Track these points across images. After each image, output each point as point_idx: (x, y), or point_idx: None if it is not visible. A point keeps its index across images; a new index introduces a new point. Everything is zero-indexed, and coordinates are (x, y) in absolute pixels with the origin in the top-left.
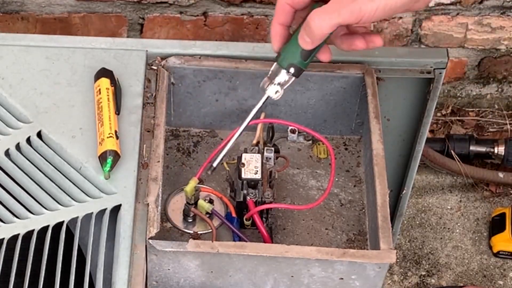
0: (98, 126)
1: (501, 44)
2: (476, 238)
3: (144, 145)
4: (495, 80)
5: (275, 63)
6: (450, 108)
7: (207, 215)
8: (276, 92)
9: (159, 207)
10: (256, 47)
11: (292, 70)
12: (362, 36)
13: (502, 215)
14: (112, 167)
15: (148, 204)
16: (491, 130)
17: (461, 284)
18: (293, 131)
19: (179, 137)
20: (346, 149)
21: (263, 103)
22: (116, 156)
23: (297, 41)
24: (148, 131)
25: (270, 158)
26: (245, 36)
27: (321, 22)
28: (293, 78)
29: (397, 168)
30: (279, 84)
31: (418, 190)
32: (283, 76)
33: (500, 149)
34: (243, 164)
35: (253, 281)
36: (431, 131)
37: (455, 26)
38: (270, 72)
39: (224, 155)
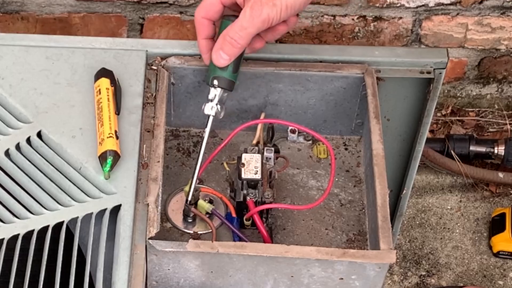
0: (98, 126)
1: (501, 44)
2: (476, 238)
3: (144, 145)
4: (495, 80)
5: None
6: (450, 108)
7: (207, 215)
8: (211, 108)
9: (159, 207)
10: None
11: (215, 82)
12: (262, 35)
13: (502, 215)
14: (112, 167)
15: (148, 204)
16: (491, 130)
17: (461, 284)
18: (293, 131)
19: (179, 137)
20: (346, 149)
21: (209, 124)
22: (116, 156)
23: None
24: (148, 131)
25: (270, 158)
26: None
27: (239, 36)
28: (222, 91)
29: (397, 168)
30: (211, 100)
31: (418, 190)
32: (212, 92)
33: (500, 149)
34: (243, 164)
35: (253, 281)
36: (431, 131)
37: (455, 26)
38: (211, 100)
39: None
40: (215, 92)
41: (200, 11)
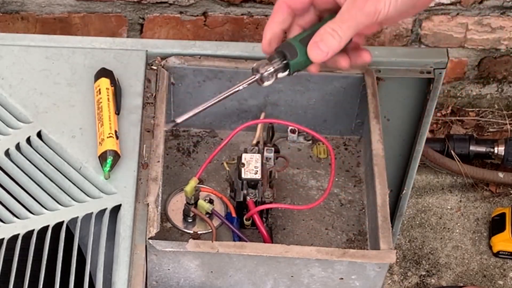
0: (98, 126)
1: (501, 44)
2: (476, 238)
3: (144, 145)
4: (495, 80)
5: (282, 61)
6: (450, 108)
7: (207, 215)
8: (268, 84)
9: (159, 207)
10: (256, 47)
11: (295, 74)
12: (348, 54)
13: (502, 215)
14: (112, 167)
15: (148, 204)
16: (491, 130)
17: (461, 284)
18: (293, 131)
19: (179, 137)
20: (346, 149)
21: (250, 83)
22: (116, 156)
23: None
24: (148, 131)
25: (270, 158)
26: (245, 36)
27: (340, 32)
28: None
29: (397, 168)
30: (276, 77)
31: (418, 190)
32: (283, 74)
33: (500, 149)
34: (243, 164)
35: (253, 281)
36: (431, 131)
37: (455, 26)
38: (273, 65)
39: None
40: (284, 75)
41: None
